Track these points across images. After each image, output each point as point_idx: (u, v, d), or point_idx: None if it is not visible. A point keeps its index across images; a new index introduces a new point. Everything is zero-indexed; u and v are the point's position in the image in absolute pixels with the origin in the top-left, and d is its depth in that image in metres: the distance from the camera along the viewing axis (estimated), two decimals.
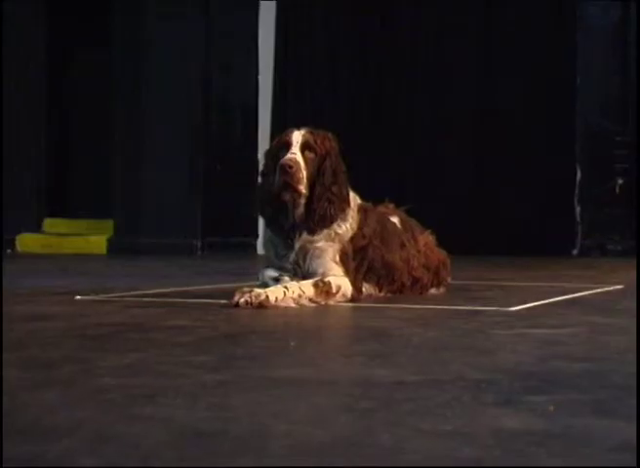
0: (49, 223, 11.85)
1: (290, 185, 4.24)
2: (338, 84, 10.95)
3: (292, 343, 2.87)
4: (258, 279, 4.53)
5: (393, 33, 10.69)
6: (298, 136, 4.33)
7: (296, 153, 4.27)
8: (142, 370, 2.37)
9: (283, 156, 4.28)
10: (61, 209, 12.00)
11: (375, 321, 3.64)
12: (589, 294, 4.90)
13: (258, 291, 4.09)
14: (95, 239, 11.16)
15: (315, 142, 4.33)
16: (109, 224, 11.16)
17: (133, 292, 4.93)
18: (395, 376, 2.27)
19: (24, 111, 11.63)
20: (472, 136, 10.47)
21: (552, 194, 10.21)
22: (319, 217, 4.30)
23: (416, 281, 4.82)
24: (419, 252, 4.89)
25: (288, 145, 4.31)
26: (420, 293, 4.83)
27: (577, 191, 10.09)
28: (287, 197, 4.28)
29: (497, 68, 10.46)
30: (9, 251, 11.02)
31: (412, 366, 2.47)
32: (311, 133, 4.37)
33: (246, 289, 4.12)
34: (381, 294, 4.64)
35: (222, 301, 4.20)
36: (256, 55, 11.10)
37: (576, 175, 10.07)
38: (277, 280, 4.34)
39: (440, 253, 5.05)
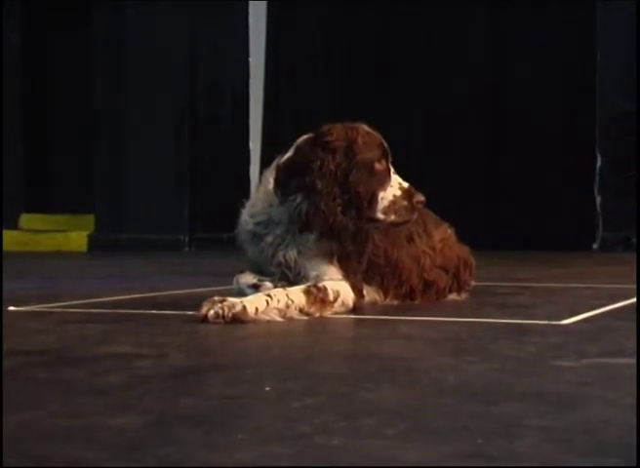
0: (26, 219, 11.12)
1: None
2: (333, 67, 10.14)
3: (267, 388, 1.92)
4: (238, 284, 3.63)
5: (392, 11, 9.83)
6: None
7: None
8: (14, 450, 1.44)
9: (376, 186, 3.49)
10: (39, 203, 11.23)
11: (387, 344, 2.66)
12: None
13: (232, 300, 3.15)
14: (74, 235, 10.50)
15: None
16: (90, 219, 10.49)
17: (85, 301, 4.02)
18: (432, 462, 1.33)
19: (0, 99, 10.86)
20: (485, 123, 9.66)
21: (570, 183, 9.37)
22: None
23: (429, 284, 3.89)
24: (433, 249, 3.94)
25: (387, 174, 3.60)
26: (437, 300, 3.90)
27: (597, 179, 9.26)
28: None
29: (510, 49, 9.62)
30: None
31: (456, 435, 1.50)
32: None
33: (217, 297, 3.19)
34: (387, 301, 3.73)
35: (190, 313, 3.28)
36: (246, 35, 10.29)
37: (595, 161, 9.24)
38: (256, 287, 3.43)
39: (461, 250, 4.10)
